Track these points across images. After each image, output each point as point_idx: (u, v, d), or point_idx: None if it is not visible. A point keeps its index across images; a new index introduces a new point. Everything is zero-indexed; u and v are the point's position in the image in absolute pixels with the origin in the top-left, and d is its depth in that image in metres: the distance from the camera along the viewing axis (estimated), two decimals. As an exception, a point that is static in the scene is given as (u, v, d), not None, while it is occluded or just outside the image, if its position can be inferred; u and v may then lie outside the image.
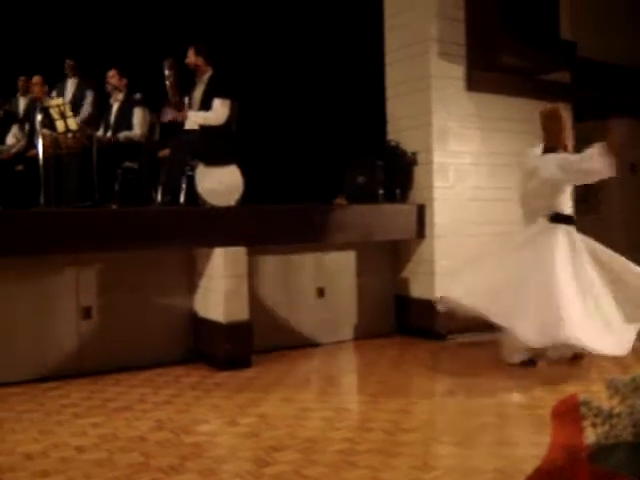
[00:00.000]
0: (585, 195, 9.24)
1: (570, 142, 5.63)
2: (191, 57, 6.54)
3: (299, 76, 8.93)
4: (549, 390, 4.79)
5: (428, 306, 6.78)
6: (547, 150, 5.55)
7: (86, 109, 7.97)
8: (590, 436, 1.71)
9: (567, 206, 5.60)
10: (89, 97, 8.05)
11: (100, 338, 5.63)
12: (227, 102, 6.43)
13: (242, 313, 5.74)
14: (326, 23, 8.87)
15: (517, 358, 5.51)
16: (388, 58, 7.27)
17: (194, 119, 6.51)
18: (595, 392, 1.93)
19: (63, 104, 7.15)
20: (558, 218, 5.47)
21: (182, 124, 6.65)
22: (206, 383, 5.21)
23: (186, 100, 6.66)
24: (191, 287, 6.07)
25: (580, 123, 8.07)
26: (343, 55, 8.74)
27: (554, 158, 5.43)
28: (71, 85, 8.19)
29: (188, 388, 5.08)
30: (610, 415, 1.64)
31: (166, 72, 6.48)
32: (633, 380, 1.68)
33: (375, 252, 7.04)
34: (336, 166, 7.43)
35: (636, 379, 1.69)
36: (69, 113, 7.05)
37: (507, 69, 7.10)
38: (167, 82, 6.49)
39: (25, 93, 8.43)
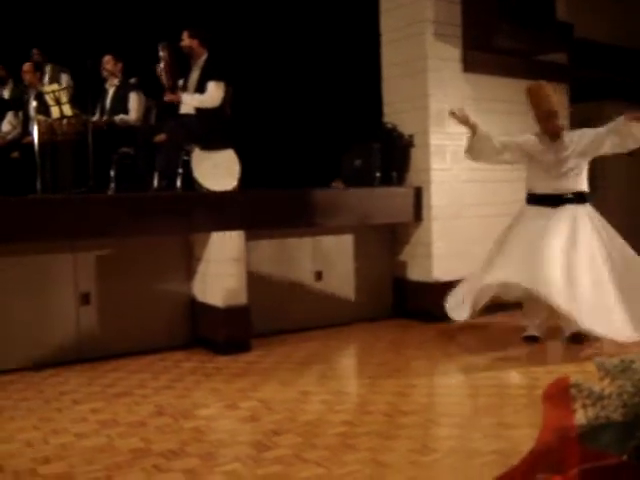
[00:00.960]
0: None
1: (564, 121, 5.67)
2: (186, 40, 6.53)
3: (295, 59, 8.89)
4: (547, 371, 4.82)
5: (426, 289, 6.80)
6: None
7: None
8: (581, 417, 1.73)
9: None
10: (64, 78, 7.97)
11: (99, 324, 5.64)
12: (221, 84, 6.42)
13: (240, 297, 5.75)
14: (322, 5, 8.82)
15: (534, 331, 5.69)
16: (384, 39, 7.23)
17: (189, 102, 6.50)
18: (590, 372, 1.94)
19: (58, 90, 7.12)
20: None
21: (177, 108, 6.64)
22: (205, 368, 5.23)
23: (180, 83, 6.65)
24: (189, 272, 6.07)
25: (577, 104, 8.06)
26: (339, 37, 8.70)
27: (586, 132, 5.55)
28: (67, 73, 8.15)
29: (188, 373, 5.10)
30: (600, 396, 1.66)
31: (161, 55, 6.47)
32: (622, 361, 1.70)
33: (373, 235, 7.03)
34: (333, 149, 7.41)
35: (625, 360, 1.70)
36: (64, 99, 7.03)
37: (504, 50, 7.06)
38: (161, 65, 6.48)
39: (6, 81, 8.39)
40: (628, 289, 5.27)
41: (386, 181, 6.93)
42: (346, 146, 7.26)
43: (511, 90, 7.31)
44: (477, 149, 5.83)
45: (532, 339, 5.67)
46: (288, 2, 8.87)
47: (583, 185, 5.63)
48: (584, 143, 5.50)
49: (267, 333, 6.14)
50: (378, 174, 6.91)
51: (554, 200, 5.58)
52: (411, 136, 6.92)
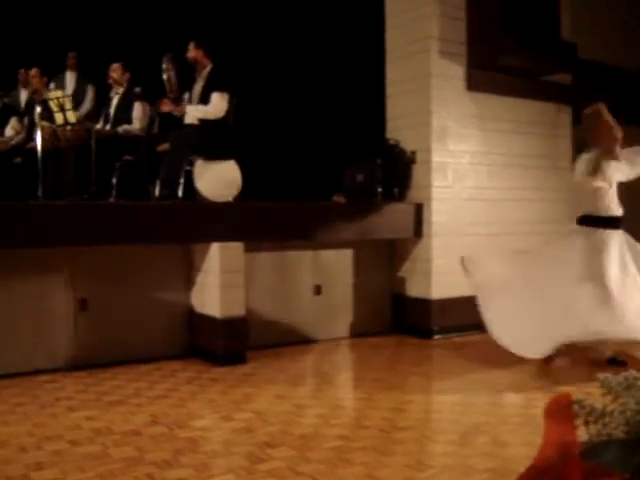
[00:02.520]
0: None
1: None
2: (191, 51, 6.55)
3: (300, 73, 8.93)
4: (544, 390, 4.80)
5: (425, 305, 6.79)
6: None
7: (87, 104, 7.97)
8: (583, 434, 1.72)
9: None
10: (90, 92, 8.05)
11: (96, 331, 5.63)
12: (226, 96, 6.44)
13: (238, 309, 5.74)
14: (327, 20, 8.86)
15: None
16: (389, 56, 7.26)
17: (193, 113, 6.51)
18: (589, 393, 1.93)
19: (63, 96, 7.14)
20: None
21: (181, 119, 6.65)
22: (202, 378, 5.22)
23: (186, 95, 6.67)
24: (188, 282, 6.07)
25: (580, 125, 8.07)
26: (344, 52, 8.74)
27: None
28: (70, 78, 8.19)
29: (184, 383, 5.08)
30: (603, 413, 1.65)
31: (165, 66, 6.49)
32: (625, 379, 1.70)
33: (373, 250, 7.03)
34: (335, 163, 7.42)
35: (628, 377, 1.70)
36: (68, 106, 7.04)
37: (508, 70, 7.10)
38: (166, 76, 6.50)
39: (26, 85, 8.42)
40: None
41: (387, 197, 6.93)
42: (348, 160, 7.27)
43: (515, 110, 7.35)
44: None
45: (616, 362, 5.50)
46: (296, 16, 8.91)
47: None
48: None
49: (264, 345, 6.13)
50: (380, 189, 6.91)
51: (607, 222, 5.51)
52: (413, 152, 6.93)
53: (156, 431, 3.95)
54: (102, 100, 7.77)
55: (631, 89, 8.91)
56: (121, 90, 7.64)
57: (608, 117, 5.51)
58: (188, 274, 6.06)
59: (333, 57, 8.83)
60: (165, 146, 6.80)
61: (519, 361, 5.62)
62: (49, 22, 8.83)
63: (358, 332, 6.82)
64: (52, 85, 8.05)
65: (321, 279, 6.70)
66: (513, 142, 7.35)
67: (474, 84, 7.02)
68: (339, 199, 7.11)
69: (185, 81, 6.71)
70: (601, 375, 1.76)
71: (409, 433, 3.90)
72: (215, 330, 5.72)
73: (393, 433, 3.89)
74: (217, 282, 5.70)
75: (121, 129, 7.45)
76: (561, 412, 1.67)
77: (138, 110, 7.49)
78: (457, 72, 6.96)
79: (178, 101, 6.57)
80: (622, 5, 8.89)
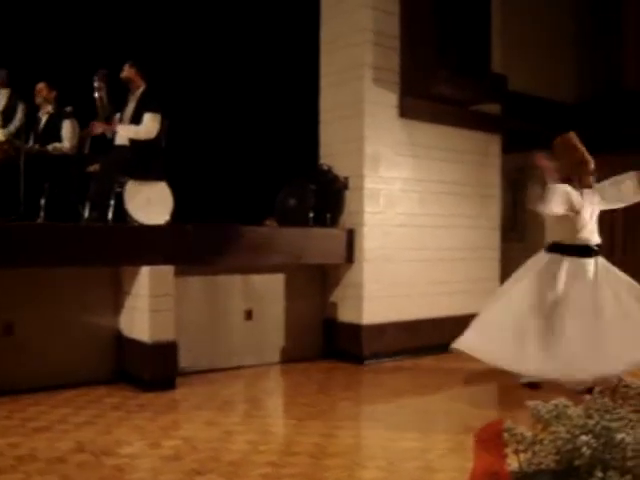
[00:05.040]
0: (513, 224, 9.45)
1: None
2: (126, 70, 6.51)
3: (235, 97, 8.90)
4: (476, 415, 4.84)
5: (356, 330, 6.80)
6: (563, 181, 5.49)
7: (17, 122, 7.79)
8: (513, 463, 1.73)
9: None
10: (20, 110, 7.87)
11: (22, 355, 5.47)
12: (158, 117, 6.40)
13: (168, 333, 5.65)
14: (263, 44, 8.88)
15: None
16: (323, 82, 7.31)
17: (124, 132, 6.45)
18: (521, 418, 1.94)
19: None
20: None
21: (112, 139, 6.57)
22: (129, 404, 5.11)
23: (117, 115, 6.60)
24: (117, 306, 5.95)
25: (509, 154, 8.27)
26: (279, 77, 8.76)
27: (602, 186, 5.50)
28: (2, 96, 8.00)
29: (111, 409, 4.97)
30: (533, 442, 1.66)
31: (96, 85, 6.41)
32: (555, 407, 1.70)
33: (304, 275, 7.02)
34: (267, 187, 7.41)
35: (558, 406, 1.70)
36: (-4, 124, 6.89)
37: (440, 98, 7.23)
38: (97, 95, 6.42)
39: None
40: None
41: (319, 222, 6.95)
42: (281, 185, 7.27)
43: (446, 138, 7.48)
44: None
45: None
46: (231, 40, 8.91)
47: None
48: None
49: (194, 371, 6.05)
50: (312, 215, 6.93)
51: (584, 251, 5.48)
52: (346, 178, 6.97)
53: (82, 459, 3.85)
54: (31, 119, 7.61)
55: (557, 119, 9.17)
56: (49, 108, 7.51)
57: (580, 146, 5.56)
58: (117, 298, 5.95)
59: (269, 82, 8.85)
60: (95, 167, 6.70)
61: (450, 386, 5.68)
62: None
63: (289, 357, 6.78)
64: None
65: (252, 304, 6.65)
66: (444, 170, 7.47)
67: (407, 112, 7.12)
68: (271, 223, 7.10)
69: (117, 101, 6.64)
70: (531, 403, 1.77)
71: (339, 459, 3.88)
72: (144, 355, 5.62)
73: (323, 459, 3.87)
74: (146, 306, 5.60)
75: (50, 147, 7.31)
76: (491, 440, 1.67)
77: (67, 128, 7.36)
78: (390, 99, 7.04)
79: (109, 120, 6.50)
80: (550, 40, 9.18)
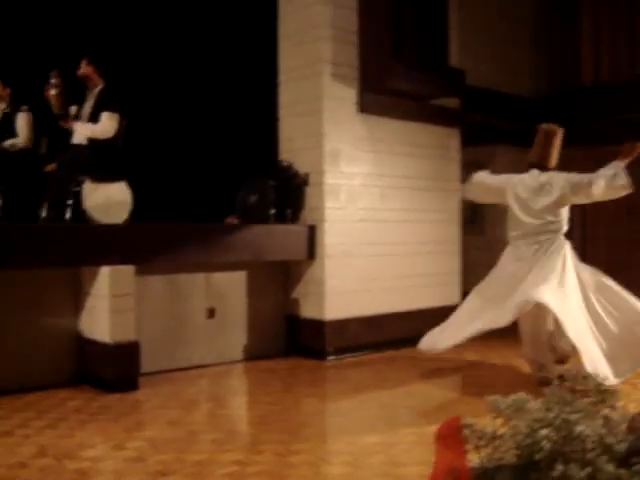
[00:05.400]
0: (473, 216, 9.52)
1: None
2: (83, 68, 6.42)
3: (191, 94, 8.84)
4: (439, 408, 4.88)
5: (318, 326, 6.81)
6: (533, 165, 5.65)
7: None
8: (473, 459, 1.73)
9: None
10: None
11: (-22, 360, 5.38)
12: (115, 116, 6.33)
13: (129, 333, 5.60)
14: (220, 39, 8.82)
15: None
16: (282, 77, 7.29)
17: (81, 130, 6.37)
18: (484, 413, 1.95)
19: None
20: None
21: (69, 138, 6.48)
22: (91, 406, 5.05)
23: (73, 110, 6.51)
24: (77, 307, 5.88)
25: (468, 147, 8.33)
26: (237, 73, 8.71)
27: (565, 176, 5.53)
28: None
29: (72, 412, 4.90)
30: (493, 437, 1.66)
31: (52, 81, 6.32)
32: (515, 401, 1.70)
33: (266, 272, 7.01)
34: (228, 185, 7.37)
35: (517, 400, 1.71)
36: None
37: (398, 93, 7.25)
38: (52, 92, 6.32)
39: None
40: None
41: (280, 218, 6.94)
42: (241, 182, 7.24)
43: (407, 133, 7.51)
44: None
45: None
46: (189, 36, 8.83)
47: None
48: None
49: (157, 371, 6.00)
50: (273, 211, 6.91)
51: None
52: (307, 174, 6.96)
53: (44, 463, 3.80)
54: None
55: (517, 113, 9.28)
56: (3, 106, 7.39)
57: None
58: (76, 298, 5.87)
59: (226, 78, 8.79)
60: (53, 166, 6.61)
61: (412, 380, 5.71)
62: None
63: (253, 355, 6.76)
64: None
65: (214, 302, 6.62)
66: (404, 164, 7.50)
67: (366, 107, 7.13)
68: (233, 221, 7.07)
69: (74, 99, 6.55)
70: (490, 397, 1.77)
71: (304, 456, 3.88)
72: (105, 356, 5.56)
73: (288, 456, 3.87)
74: (107, 306, 5.54)
75: (7, 144, 7.18)
76: (452, 437, 1.67)
77: (22, 120, 7.22)
78: (350, 95, 7.05)
79: (64, 117, 6.42)
80: (509, 35, 9.28)
